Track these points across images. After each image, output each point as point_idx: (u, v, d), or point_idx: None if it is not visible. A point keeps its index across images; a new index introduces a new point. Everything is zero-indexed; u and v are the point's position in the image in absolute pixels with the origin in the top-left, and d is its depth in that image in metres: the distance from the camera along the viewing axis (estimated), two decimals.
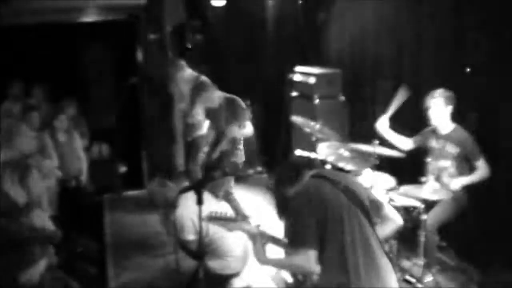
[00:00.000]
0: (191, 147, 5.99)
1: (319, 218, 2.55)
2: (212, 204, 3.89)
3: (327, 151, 4.93)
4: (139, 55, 7.79)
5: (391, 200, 4.27)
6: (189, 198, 3.35)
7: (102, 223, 6.08)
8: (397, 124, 4.74)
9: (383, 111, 4.75)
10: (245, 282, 4.31)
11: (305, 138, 5.51)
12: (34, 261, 3.35)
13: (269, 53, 7.73)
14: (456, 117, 4.32)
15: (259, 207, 5.96)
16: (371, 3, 5.85)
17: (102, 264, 4.89)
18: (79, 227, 5.15)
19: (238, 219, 3.12)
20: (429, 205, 4.21)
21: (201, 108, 5.64)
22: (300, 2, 7.11)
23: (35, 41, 7.99)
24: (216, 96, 5.01)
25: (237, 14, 7.54)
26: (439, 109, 4.26)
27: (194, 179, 5.41)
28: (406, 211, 4.22)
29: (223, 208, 4.22)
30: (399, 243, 4.31)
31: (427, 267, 4.22)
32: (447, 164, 4.31)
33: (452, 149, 4.27)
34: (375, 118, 4.79)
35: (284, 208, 2.74)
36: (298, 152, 5.37)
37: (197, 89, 5.03)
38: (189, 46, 7.53)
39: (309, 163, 2.91)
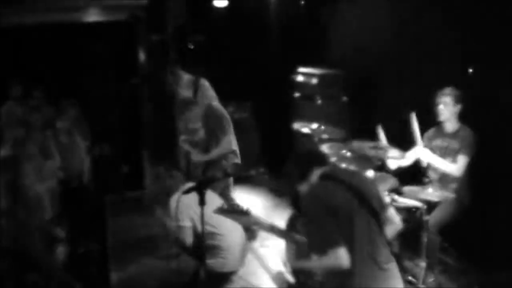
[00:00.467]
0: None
1: (333, 219, 2.56)
2: (216, 203, 3.87)
3: (330, 152, 4.93)
4: (140, 56, 7.78)
5: (393, 200, 4.28)
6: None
7: (104, 224, 6.07)
8: (396, 126, 4.74)
9: (383, 111, 4.75)
10: (246, 281, 4.31)
11: (307, 139, 5.51)
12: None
13: (271, 54, 7.72)
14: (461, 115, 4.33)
15: (260, 207, 5.95)
16: (373, 3, 5.86)
17: (104, 264, 4.89)
18: (81, 227, 5.15)
19: (250, 213, 3.11)
20: (432, 206, 4.20)
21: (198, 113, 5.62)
22: (303, 2, 7.11)
23: (35, 42, 7.99)
24: (199, 112, 4.97)
25: (240, 14, 7.54)
26: (448, 107, 4.27)
27: (195, 180, 5.39)
28: (408, 212, 4.22)
29: (235, 201, 4.21)
30: (401, 243, 4.31)
31: (429, 267, 4.22)
32: (449, 162, 4.31)
33: (455, 146, 4.28)
34: (377, 118, 4.79)
35: (297, 204, 2.75)
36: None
37: (179, 110, 5.02)
38: (191, 46, 7.52)
39: (318, 159, 2.88)
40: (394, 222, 2.85)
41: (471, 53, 4.48)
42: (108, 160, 7.22)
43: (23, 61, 7.69)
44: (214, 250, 4.01)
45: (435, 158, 4.32)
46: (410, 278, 4.21)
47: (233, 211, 3.08)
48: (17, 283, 3.25)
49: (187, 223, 3.92)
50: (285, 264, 3.89)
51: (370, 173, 4.47)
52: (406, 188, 4.27)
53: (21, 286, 3.22)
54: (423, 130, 4.56)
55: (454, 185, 4.28)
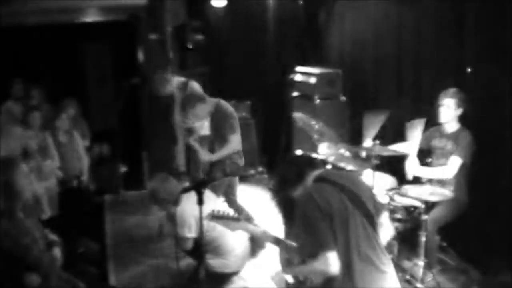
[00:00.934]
0: (190, 149, 5.96)
1: (326, 222, 2.55)
2: (214, 204, 3.89)
3: (328, 151, 4.94)
4: (140, 56, 7.78)
5: (392, 200, 4.28)
6: (192, 195, 3.34)
7: (103, 224, 6.08)
8: (396, 127, 4.75)
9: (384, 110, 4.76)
10: (246, 282, 4.32)
11: (306, 139, 5.51)
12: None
13: (269, 53, 7.73)
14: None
15: (260, 207, 5.95)
16: (372, 3, 5.86)
17: (103, 264, 4.89)
18: (80, 227, 5.15)
19: (241, 218, 3.11)
20: (430, 205, 4.21)
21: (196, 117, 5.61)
22: (301, 2, 7.11)
23: (35, 42, 8.00)
24: (205, 107, 4.86)
25: (238, 14, 7.54)
26: (450, 109, 4.28)
27: (195, 180, 5.40)
28: (406, 211, 4.23)
29: (225, 207, 4.23)
30: (399, 243, 4.32)
31: (427, 267, 4.23)
32: (447, 163, 4.32)
33: (452, 148, 4.28)
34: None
35: (288, 209, 2.74)
36: (300, 151, 5.36)
37: (187, 101, 4.93)
38: (190, 46, 7.53)
39: (312, 163, 2.88)
40: (386, 229, 2.84)
41: (469, 54, 4.48)
42: (107, 160, 7.23)
43: (23, 61, 7.70)
44: (217, 251, 4.03)
45: (425, 171, 4.33)
46: (408, 277, 4.22)
47: (223, 217, 3.07)
48: (16, 284, 3.24)
49: (190, 234, 3.95)
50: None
51: (368, 173, 4.48)
52: (405, 188, 4.28)
53: (20, 287, 3.22)
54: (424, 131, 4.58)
55: (452, 185, 4.29)
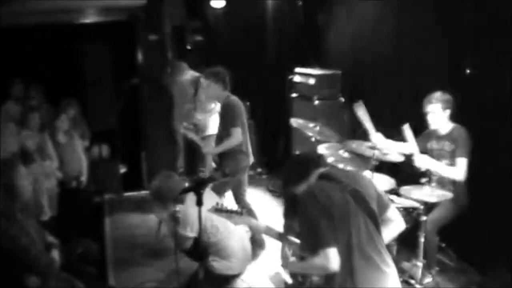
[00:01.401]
0: (196, 149, 5.95)
1: (328, 219, 2.55)
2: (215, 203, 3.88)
3: (327, 152, 4.95)
4: (140, 56, 7.78)
5: (390, 201, 4.28)
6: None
7: (102, 224, 6.08)
8: (395, 128, 4.75)
9: (383, 111, 4.76)
10: (245, 282, 4.32)
11: (305, 140, 5.51)
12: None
13: (269, 54, 7.73)
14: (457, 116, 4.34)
15: (259, 208, 5.95)
16: (371, 4, 5.87)
17: (103, 265, 4.89)
18: (79, 228, 5.15)
19: (244, 213, 3.11)
20: (429, 206, 4.22)
21: (203, 109, 5.61)
22: (300, 3, 7.12)
23: (35, 42, 7.99)
24: (217, 90, 4.93)
25: (237, 15, 7.55)
26: (436, 114, 4.27)
27: (195, 180, 5.41)
28: (405, 212, 4.24)
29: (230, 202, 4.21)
30: (398, 244, 4.33)
31: (426, 268, 4.23)
32: (444, 163, 4.32)
33: (448, 147, 4.29)
34: (375, 118, 4.79)
35: (292, 207, 2.74)
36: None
37: (201, 87, 4.96)
38: (189, 47, 7.53)
39: (317, 161, 2.87)
40: (396, 223, 2.83)
41: (468, 55, 4.49)
42: (107, 161, 7.23)
43: (23, 61, 7.69)
44: (221, 253, 4.04)
45: (435, 164, 4.30)
46: (407, 278, 4.23)
47: (226, 210, 3.08)
48: (15, 285, 3.24)
49: (192, 233, 3.95)
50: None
51: (367, 174, 4.49)
52: (404, 189, 4.28)
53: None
54: (420, 130, 4.58)
55: (451, 186, 4.29)
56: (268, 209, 6.10)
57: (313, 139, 5.11)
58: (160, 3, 7.53)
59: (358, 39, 6.22)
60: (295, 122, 5.35)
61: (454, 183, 4.27)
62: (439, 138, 4.38)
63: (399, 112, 5.16)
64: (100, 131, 7.32)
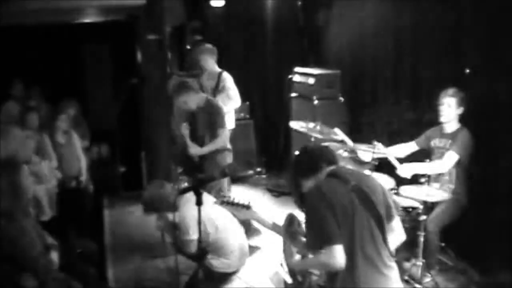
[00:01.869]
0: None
1: (334, 217, 2.54)
2: (211, 204, 3.88)
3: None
4: (139, 56, 7.78)
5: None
6: (191, 198, 3.35)
7: (101, 224, 6.07)
8: (395, 127, 4.75)
9: (383, 111, 4.76)
10: (245, 282, 4.32)
11: (304, 139, 5.51)
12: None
13: (268, 54, 7.73)
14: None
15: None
16: (370, 3, 5.86)
17: (102, 265, 4.89)
18: (78, 228, 5.15)
19: (251, 207, 3.10)
20: (428, 206, 4.21)
21: (180, 116, 5.65)
22: (300, 2, 7.11)
23: (35, 42, 7.99)
24: (195, 99, 4.97)
25: (236, 14, 7.54)
26: (451, 108, 4.28)
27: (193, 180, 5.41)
28: (405, 212, 4.23)
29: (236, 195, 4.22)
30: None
31: (426, 267, 4.23)
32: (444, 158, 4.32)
33: (450, 146, 4.29)
34: (374, 118, 4.80)
35: (302, 200, 2.73)
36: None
37: (175, 92, 5.01)
38: (189, 47, 7.53)
39: (328, 158, 2.83)
40: (397, 234, 2.82)
41: (467, 54, 4.49)
42: (106, 160, 7.23)
43: (22, 61, 7.70)
44: (219, 251, 4.03)
45: (419, 167, 4.30)
46: (407, 278, 4.22)
47: (233, 203, 3.07)
48: (13, 285, 3.24)
49: (194, 236, 3.93)
50: (282, 265, 3.89)
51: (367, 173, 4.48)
52: (403, 188, 4.28)
53: None
54: (418, 131, 4.58)
55: (451, 185, 4.29)
56: (267, 209, 6.10)
57: (312, 139, 5.12)
58: (160, 3, 7.53)
59: (358, 39, 6.21)
60: (294, 125, 5.38)
61: (454, 182, 4.27)
62: (443, 136, 4.38)
63: (399, 112, 5.16)
64: (100, 130, 7.32)
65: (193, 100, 4.92)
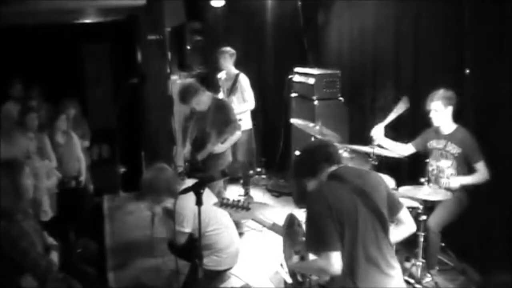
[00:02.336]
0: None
1: (335, 221, 2.53)
2: (212, 202, 3.86)
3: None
4: (139, 56, 7.78)
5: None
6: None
7: (101, 224, 6.08)
8: (395, 128, 4.74)
9: (382, 111, 4.75)
10: (243, 281, 4.31)
11: (304, 139, 5.51)
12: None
13: (268, 54, 7.73)
14: (457, 116, 4.33)
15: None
16: (370, 3, 5.86)
17: (102, 265, 4.89)
18: (78, 228, 5.15)
19: (251, 208, 3.09)
20: (428, 206, 4.21)
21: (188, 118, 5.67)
22: (300, 2, 7.11)
23: (35, 42, 7.99)
24: (206, 98, 5.07)
25: (237, 14, 7.54)
26: (439, 112, 4.27)
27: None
28: None
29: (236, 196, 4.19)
30: (398, 243, 4.31)
31: (426, 267, 4.23)
32: (447, 164, 4.32)
33: (453, 149, 4.28)
34: (374, 119, 4.80)
35: (302, 198, 2.73)
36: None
37: (187, 96, 5.06)
38: (189, 47, 7.52)
39: (330, 159, 2.81)
40: (407, 225, 2.82)
41: (467, 54, 4.48)
42: (106, 160, 7.23)
43: (22, 61, 7.69)
44: (209, 249, 4.01)
45: (465, 180, 4.20)
46: (407, 278, 4.22)
47: (233, 205, 3.07)
48: (12, 286, 3.24)
49: (187, 229, 3.92)
50: (282, 265, 3.89)
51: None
52: (403, 188, 4.28)
53: None
54: (421, 132, 4.58)
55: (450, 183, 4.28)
56: (267, 209, 6.09)
57: (312, 138, 5.12)
58: (160, 3, 7.53)
59: (358, 39, 6.21)
60: (295, 122, 5.38)
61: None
62: (441, 137, 4.38)
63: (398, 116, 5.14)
64: (100, 130, 7.32)
65: (204, 100, 5.05)
